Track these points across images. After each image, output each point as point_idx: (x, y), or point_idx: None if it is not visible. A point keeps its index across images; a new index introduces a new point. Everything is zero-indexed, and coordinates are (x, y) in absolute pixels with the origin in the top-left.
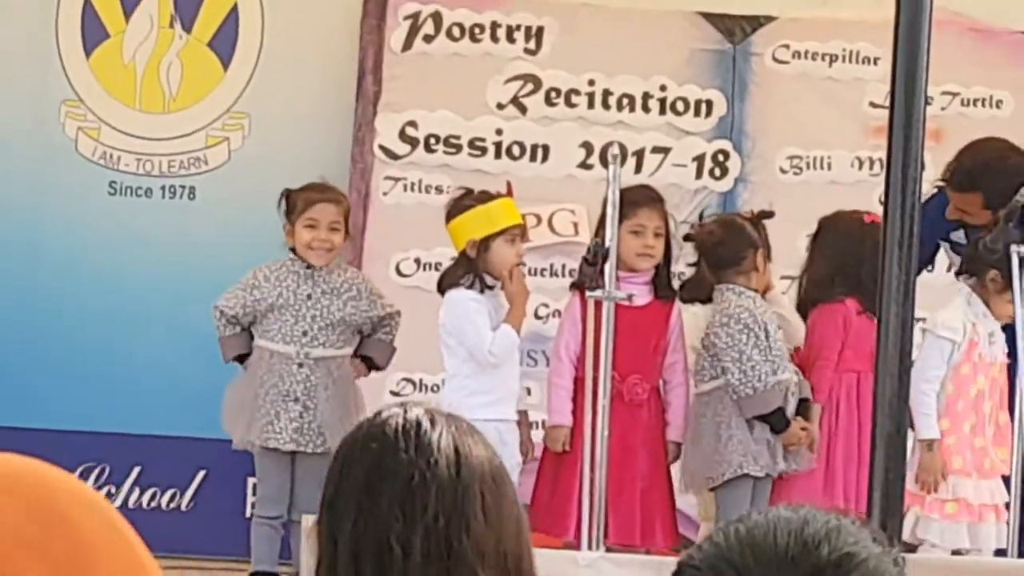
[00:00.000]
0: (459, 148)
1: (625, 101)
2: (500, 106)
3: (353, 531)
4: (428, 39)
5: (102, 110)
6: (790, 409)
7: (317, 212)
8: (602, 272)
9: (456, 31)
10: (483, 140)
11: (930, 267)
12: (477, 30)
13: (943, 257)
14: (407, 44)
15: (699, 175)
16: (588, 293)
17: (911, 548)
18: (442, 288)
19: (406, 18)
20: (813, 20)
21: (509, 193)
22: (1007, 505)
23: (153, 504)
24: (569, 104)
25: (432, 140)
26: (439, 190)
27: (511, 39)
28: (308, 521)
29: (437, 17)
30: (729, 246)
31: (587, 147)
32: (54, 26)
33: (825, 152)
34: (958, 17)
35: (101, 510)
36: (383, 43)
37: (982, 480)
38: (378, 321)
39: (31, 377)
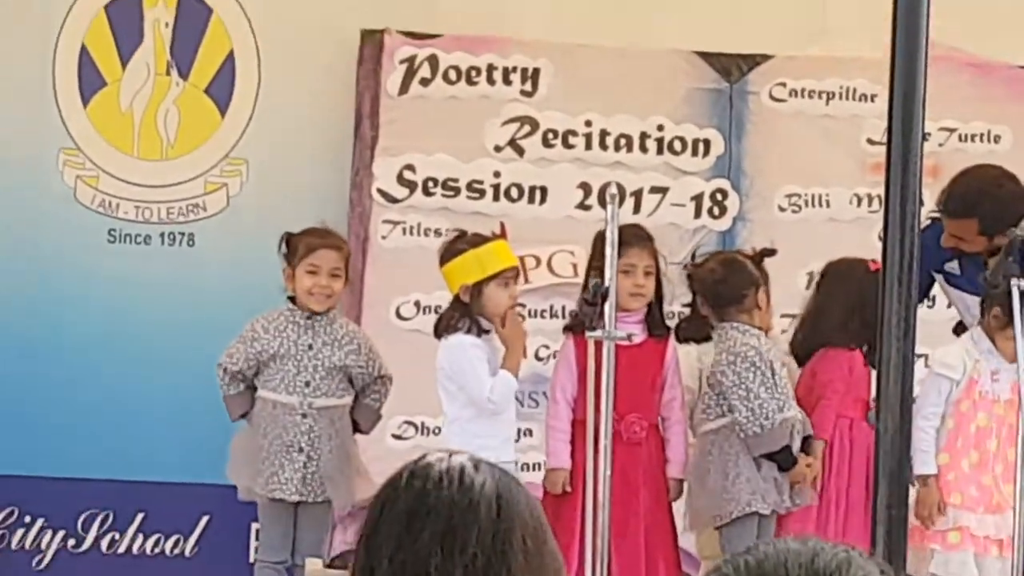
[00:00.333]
0: (457, 191)
1: (622, 141)
2: (498, 148)
3: (391, 565)
4: (425, 82)
5: (100, 158)
6: (796, 446)
7: (319, 258)
8: (602, 312)
9: (452, 74)
10: (481, 183)
11: (929, 303)
12: (473, 73)
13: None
14: (404, 88)
15: (698, 214)
16: (588, 333)
17: None
18: (439, 332)
19: (402, 62)
20: (809, 58)
21: (503, 235)
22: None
23: (157, 550)
24: (567, 145)
25: (430, 183)
26: (438, 233)
27: (507, 81)
28: (312, 565)
29: (433, 60)
30: (730, 284)
31: (585, 188)
32: (51, 74)
33: (823, 190)
34: (955, 52)
35: None
36: (380, 87)
37: (988, 515)
38: (371, 382)
39: (33, 425)
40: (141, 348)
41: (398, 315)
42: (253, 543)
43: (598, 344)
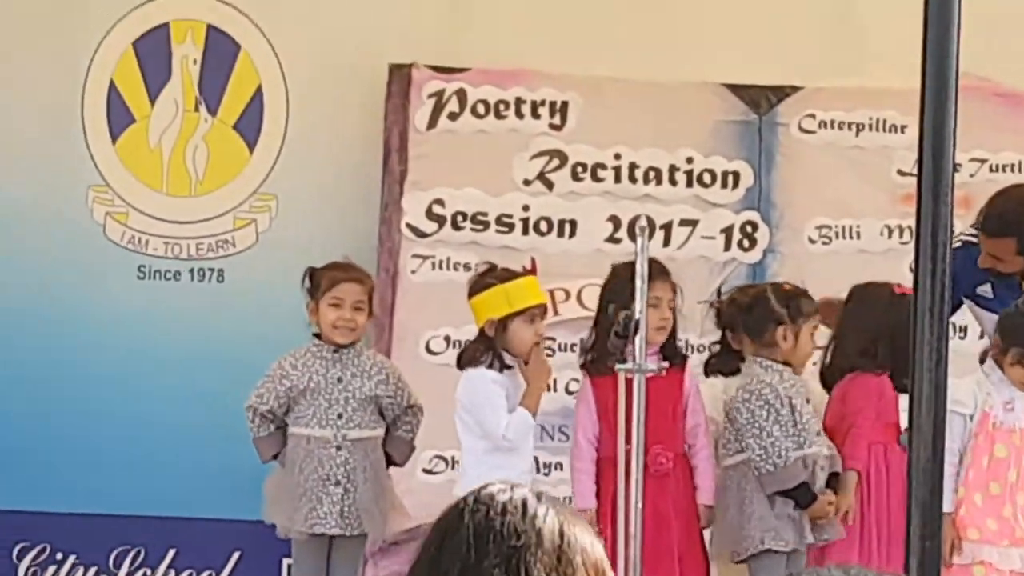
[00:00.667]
0: (486, 225)
1: (652, 174)
2: (527, 182)
3: None
4: (453, 117)
5: (129, 194)
6: (819, 483)
7: (342, 291)
8: (631, 345)
9: (481, 108)
10: (510, 216)
11: (961, 334)
12: (502, 106)
13: (974, 322)
14: (432, 122)
15: (728, 247)
16: (618, 366)
17: None
18: (461, 364)
19: (430, 96)
20: (839, 89)
21: (533, 270)
22: None
23: None
24: (595, 178)
25: (459, 217)
26: (467, 267)
27: (536, 115)
28: None
29: (462, 94)
30: (753, 318)
31: (614, 221)
32: (79, 112)
33: (854, 221)
34: (985, 83)
35: None
36: (408, 122)
37: (1012, 548)
38: (401, 413)
39: (64, 461)
40: (172, 384)
41: (428, 349)
42: None
43: (614, 379)
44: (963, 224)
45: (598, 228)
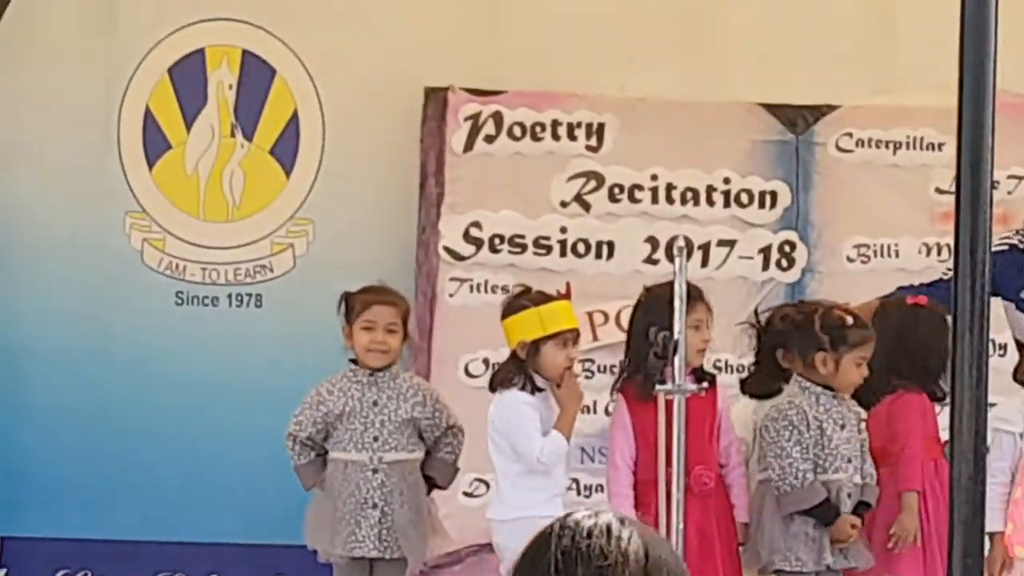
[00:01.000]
0: (524, 247)
1: (689, 195)
2: (564, 204)
3: None
4: (489, 139)
5: (166, 221)
6: (844, 509)
7: (374, 314)
8: (671, 366)
9: (517, 130)
10: (547, 239)
11: (1001, 351)
12: (538, 129)
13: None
14: (468, 145)
15: (766, 267)
16: (658, 387)
17: None
18: (493, 386)
19: (467, 119)
20: (875, 108)
21: (567, 295)
22: None
23: None
24: (633, 200)
25: (496, 240)
26: (505, 290)
27: (572, 136)
28: None
29: (498, 117)
30: (799, 337)
31: (652, 242)
32: (116, 139)
33: (892, 240)
34: (1022, 100)
35: None
36: (444, 145)
37: None
38: (441, 435)
39: (104, 487)
40: (212, 410)
41: (467, 372)
42: None
43: (651, 401)
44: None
45: (636, 249)
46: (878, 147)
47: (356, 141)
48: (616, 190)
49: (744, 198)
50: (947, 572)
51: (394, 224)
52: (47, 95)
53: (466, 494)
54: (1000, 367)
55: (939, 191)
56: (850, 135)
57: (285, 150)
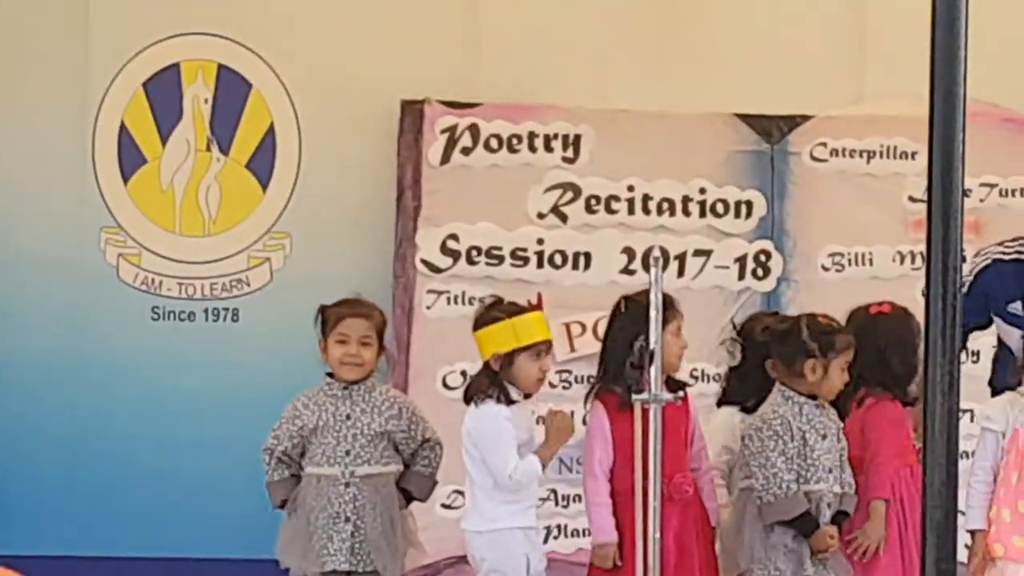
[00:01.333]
0: (501, 259)
1: (665, 205)
2: (540, 215)
3: None
4: (466, 151)
5: (142, 236)
6: (824, 519)
7: (347, 327)
8: (647, 375)
9: (494, 142)
10: (525, 250)
11: (973, 358)
12: (515, 140)
13: (988, 346)
14: (445, 157)
15: (742, 276)
16: (635, 397)
17: None
18: (468, 398)
19: (443, 131)
20: (849, 117)
21: (539, 305)
22: None
23: None
24: (609, 211)
25: (474, 252)
26: (482, 302)
27: (549, 148)
28: None
29: (474, 129)
30: (786, 347)
31: (629, 253)
32: (91, 153)
33: (866, 248)
34: (993, 108)
35: None
36: (421, 157)
37: None
38: (418, 448)
39: (79, 503)
40: (188, 424)
41: (444, 385)
42: None
43: (627, 410)
44: (973, 249)
45: (612, 260)
46: (852, 156)
47: (333, 154)
48: (593, 201)
49: (720, 208)
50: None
51: (371, 237)
52: (21, 111)
53: (444, 506)
54: (972, 373)
55: (912, 199)
56: (824, 145)
57: (261, 164)
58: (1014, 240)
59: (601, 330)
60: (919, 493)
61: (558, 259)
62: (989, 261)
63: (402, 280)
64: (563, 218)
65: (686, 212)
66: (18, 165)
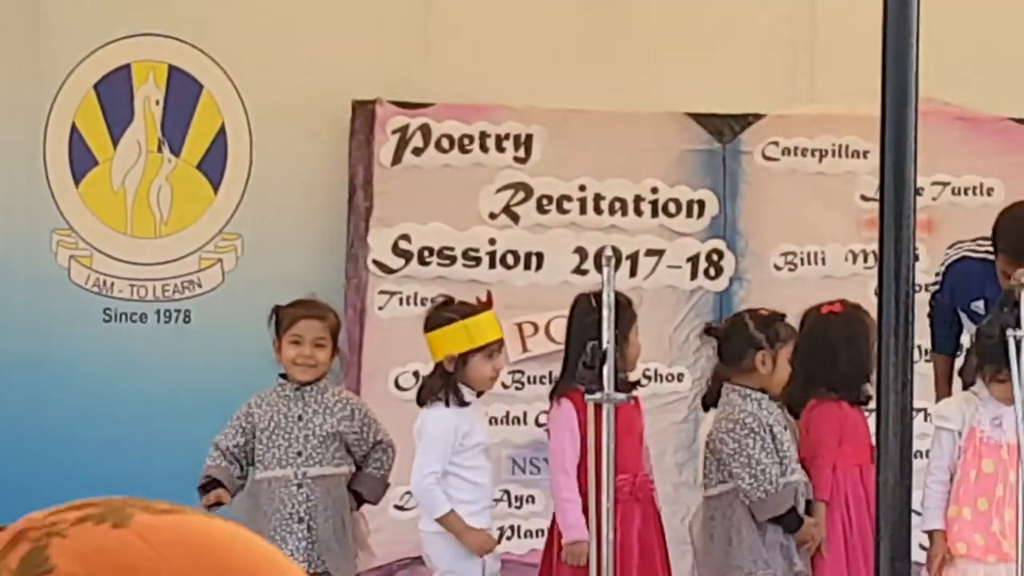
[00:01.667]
0: (453, 260)
1: (617, 205)
2: (492, 216)
3: None
4: (417, 152)
5: (94, 237)
6: (801, 508)
7: (301, 328)
8: (600, 375)
9: (445, 143)
10: (477, 251)
11: (927, 357)
12: (466, 141)
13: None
14: (396, 158)
15: (694, 276)
16: (588, 397)
17: None
18: (421, 400)
19: (394, 132)
20: (801, 116)
21: (488, 304)
22: None
23: None
24: (561, 210)
25: (426, 253)
26: (435, 303)
27: (500, 148)
28: None
29: (426, 129)
30: (731, 343)
31: (581, 253)
32: (42, 155)
33: (818, 247)
34: (945, 107)
35: None
36: (372, 157)
37: (1000, 563)
38: (370, 450)
39: (28, 505)
40: (140, 426)
41: (397, 386)
42: None
43: (596, 407)
44: (926, 248)
45: (565, 260)
46: (804, 155)
47: (284, 155)
48: (544, 201)
49: (672, 207)
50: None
51: (323, 238)
52: None
53: (398, 507)
54: (926, 372)
55: (864, 198)
56: (776, 144)
57: (213, 165)
58: (986, 239)
59: (554, 330)
60: (867, 495)
61: (510, 259)
62: (960, 256)
63: (354, 281)
64: (515, 218)
65: (638, 212)
66: None
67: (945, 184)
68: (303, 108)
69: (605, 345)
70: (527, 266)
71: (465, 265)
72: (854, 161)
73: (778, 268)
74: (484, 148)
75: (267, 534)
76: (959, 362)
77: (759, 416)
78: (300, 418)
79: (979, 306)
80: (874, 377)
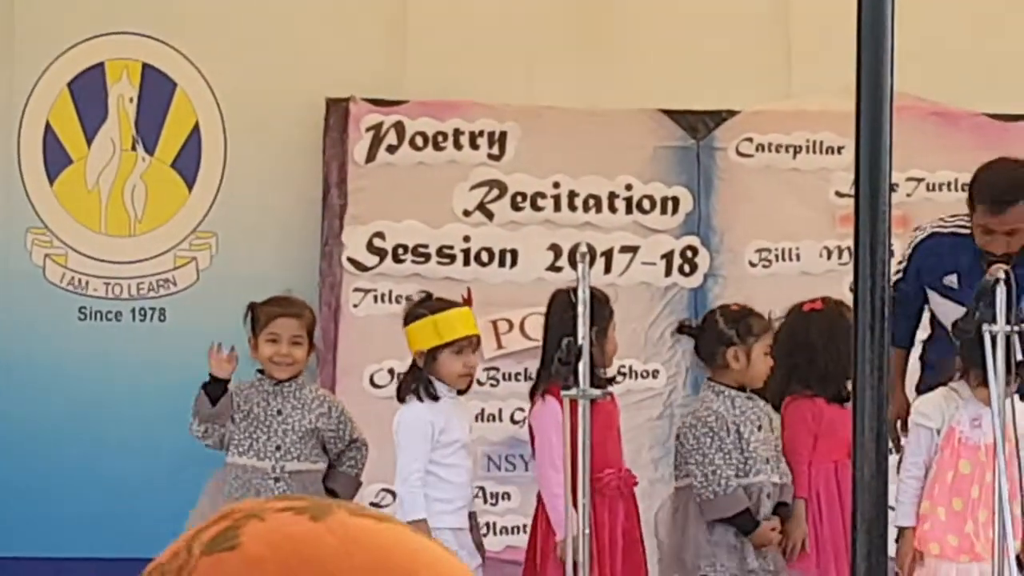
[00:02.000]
0: (427, 257)
1: (591, 202)
2: (467, 213)
3: None
4: (391, 149)
5: (68, 236)
6: (764, 511)
7: (277, 327)
8: (576, 371)
9: (419, 140)
10: (451, 248)
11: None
12: (440, 138)
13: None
14: (371, 155)
15: (668, 272)
16: (563, 392)
17: None
18: (400, 396)
19: (368, 129)
20: (775, 112)
21: (468, 301)
22: None
23: None
24: (535, 208)
25: (400, 250)
26: (409, 300)
27: (475, 145)
28: None
29: (400, 127)
30: (704, 341)
31: (555, 250)
32: (16, 154)
33: (793, 244)
34: (920, 102)
35: None
36: (347, 155)
37: (974, 563)
38: (345, 448)
39: (7, 505)
40: (115, 424)
41: (372, 383)
42: None
43: (573, 404)
44: (900, 243)
45: (539, 257)
46: (778, 151)
47: (258, 153)
48: (519, 198)
49: (646, 204)
50: (851, 571)
51: (297, 235)
52: None
53: (373, 504)
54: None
55: (839, 194)
56: (750, 140)
57: (187, 163)
58: (953, 216)
59: (528, 327)
60: (840, 491)
61: (484, 256)
62: (927, 233)
63: (328, 279)
64: (489, 215)
65: (612, 209)
66: None
67: (920, 180)
68: (277, 106)
69: (580, 341)
70: (502, 263)
71: (440, 262)
72: (829, 157)
73: (753, 265)
74: (458, 145)
75: None
76: (915, 356)
77: (723, 415)
78: (279, 412)
79: (952, 280)
80: None
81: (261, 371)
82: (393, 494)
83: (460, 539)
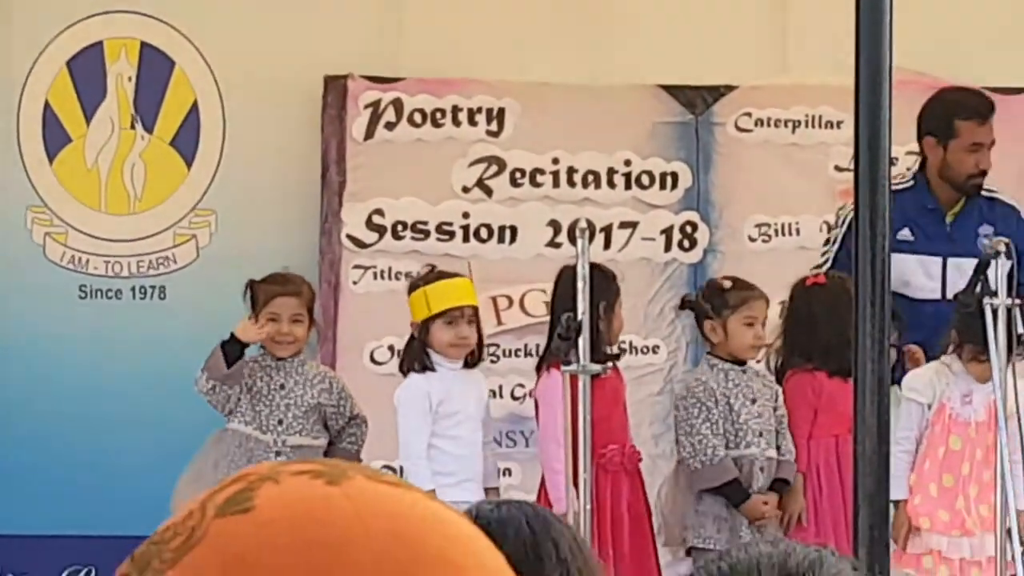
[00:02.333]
0: (427, 233)
1: (590, 178)
2: (466, 189)
3: None
4: (390, 126)
5: (68, 214)
6: (758, 484)
7: (277, 305)
8: (576, 346)
9: (418, 117)
10: (450, 224)
11: None
12: (439, 115)
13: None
14: (369, 132)
15: (668, 248)
16: (564, 368)
17: None
18: (402, 369)
19: (367, 106)
20: (774, 87)
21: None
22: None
23: None
24: (534, 184)
25: (399, 227)
26: (409, 276)
27: (473, 122)
28: None
29: (398, 104)
30: (696, 316)
31: (554, 226)
32: (15, 132)
33: (792, 218)
34: (919, 77)
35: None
36: (345, 133)
37: (964, 538)
38: (345, 424)
39: (8, 483)
40: (116, 402)
41: (372, 359)
42: None
43: (573, 379)
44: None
45: (538, 233)
46: (777, 126)
47: (257, 131)
48: (518, 174)
49: (645, 180)
50: (852, 543)
51: (296, 213)
52: None
53: None
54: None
55: (838, 169)
56: (749, 115)
57: (186, 141)
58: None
59: (528, 303)
60: (840, 465)
61: (484, 233)
62: (909, 183)
63: (328, 256)
64: (488, 192)
65: (611, 184)
66: None
67: (918, 154)
68: (275, 83)
69: (580, 316)
70: (501, 239)
71: (439, 239)
72: (828, 132)
73: (752, 239)
74: (456, 122)
75: None
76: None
77: (713, 387)
78: (282, 387)
79: (905, 234)
80: None
81: (261, 346)
82: (394, 470)
83: None
